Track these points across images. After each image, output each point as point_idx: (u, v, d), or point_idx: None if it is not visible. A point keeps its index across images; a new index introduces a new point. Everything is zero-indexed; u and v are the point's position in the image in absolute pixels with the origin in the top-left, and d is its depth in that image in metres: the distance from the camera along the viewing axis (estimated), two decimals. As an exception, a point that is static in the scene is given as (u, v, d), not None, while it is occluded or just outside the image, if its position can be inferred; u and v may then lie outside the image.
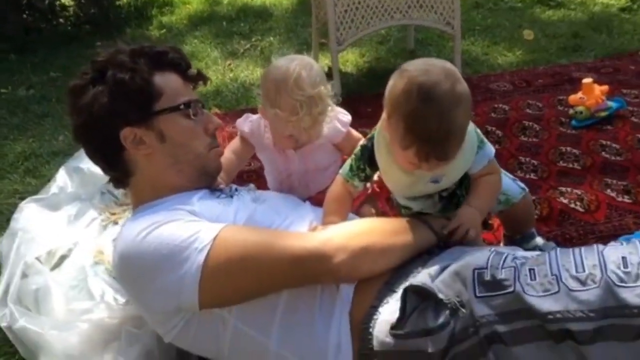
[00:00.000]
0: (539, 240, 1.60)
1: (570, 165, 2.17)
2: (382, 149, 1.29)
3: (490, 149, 1.31)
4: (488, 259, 1.09)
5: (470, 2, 3.97)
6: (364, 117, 2.41)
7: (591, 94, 2.42)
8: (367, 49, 3.44)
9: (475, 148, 1.27)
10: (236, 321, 1.22)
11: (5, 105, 3.10)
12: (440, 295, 1.06)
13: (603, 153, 2.22)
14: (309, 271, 1.16)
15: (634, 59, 3.08)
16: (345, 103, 2.30)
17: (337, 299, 1.19)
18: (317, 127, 1.48)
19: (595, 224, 1.84)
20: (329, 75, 3.06)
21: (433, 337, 1.04)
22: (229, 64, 3.40)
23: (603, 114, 2.42)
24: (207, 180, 1.43)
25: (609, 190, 1.98)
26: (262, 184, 1.79)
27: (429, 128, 1.11)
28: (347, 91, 2.89)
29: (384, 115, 1.21)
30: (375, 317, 1.14)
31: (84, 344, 1.40)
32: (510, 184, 1.48)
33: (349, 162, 1.38)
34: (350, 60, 3.32)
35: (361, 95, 2.85)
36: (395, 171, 1.28)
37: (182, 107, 1.35)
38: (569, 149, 2.27)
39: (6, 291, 1.54)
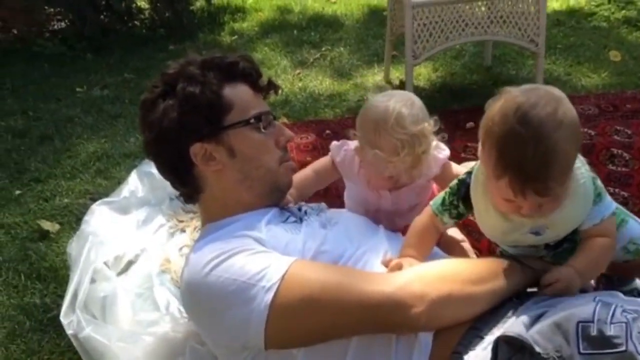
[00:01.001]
0: (639, 282, 1.45)
1: (666, 201, 2.00)
2: (478, 187, 1.19)
3: (609, 205, 1.16)
4: (594, 311, 0.98)
5: (552, 19, 3.78)
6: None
7: (689, 124, 2.24)
8: (440, 64, 3.33)
9: (590, 200, 1.13)
10: (304, 358, 1.15)
11: (80, 104, 3.18)
12: (538, 349, 0.96)
13: (701, 188, 2.04)
14: (384, 319, 1.08)
15: None
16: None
17: (414, 344, 1.10)
18: (419, 167, 1.36)
19: (696, 268, 1.67)
20: (401, 89, 2.98)
21: (528, 394, 0.94)
22: (298, 73, 3.38)
23: (701, 145, 2.23)
24: (277, 196, 1.37)
25: None
26: (329, 198, 1.71)
27: (524, 153, 1.00)
28: (419, 107, 2.79)
29: (479, 146, 1.11)
30: (460, 364, 1.05)
31: (149, 358, 1.37)
32: None
33: (442, 194, 1.27)
34: (423, 74, 3.22)
35: (435, 112, 2.72)
36: (491, 214, 1.17)
37: (252, 120, 1.30)
38: (663, 182, 2.10)
39: (74, 297, 1.54)
